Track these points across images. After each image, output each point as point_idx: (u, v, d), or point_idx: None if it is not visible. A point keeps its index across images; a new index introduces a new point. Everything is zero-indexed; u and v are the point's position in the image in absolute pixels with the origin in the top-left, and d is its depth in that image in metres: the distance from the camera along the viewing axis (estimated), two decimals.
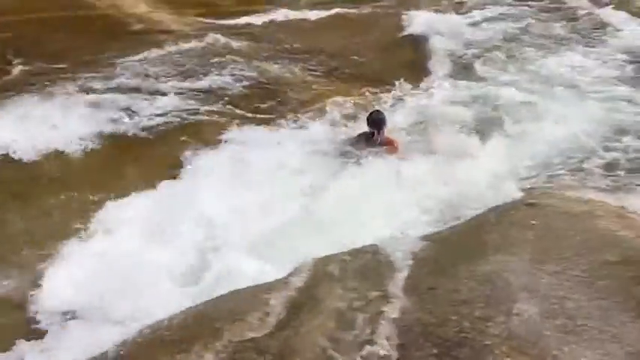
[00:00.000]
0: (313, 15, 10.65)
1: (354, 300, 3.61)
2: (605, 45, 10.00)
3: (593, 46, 10.01)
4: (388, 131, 6.95)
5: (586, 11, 11.56)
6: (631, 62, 9.28)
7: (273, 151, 6.58)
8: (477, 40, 10.11)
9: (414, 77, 8.47)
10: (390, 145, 6.89)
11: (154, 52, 8.94)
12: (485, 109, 7.64)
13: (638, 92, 8.19)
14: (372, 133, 6.89)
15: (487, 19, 11.37)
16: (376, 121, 6.94)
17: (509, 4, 12.47)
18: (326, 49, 9.25)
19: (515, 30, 10.81)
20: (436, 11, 11.39)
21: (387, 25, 10.52)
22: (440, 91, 8.09)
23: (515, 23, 11.19)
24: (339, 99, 7.55)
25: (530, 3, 12.69)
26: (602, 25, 10.86)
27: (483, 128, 7.11)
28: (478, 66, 9.00)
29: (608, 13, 11.27)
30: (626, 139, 6.85)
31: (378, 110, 7.28)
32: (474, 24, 11.05)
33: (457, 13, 11.70)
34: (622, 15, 11.15)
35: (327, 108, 7.39)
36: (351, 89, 7.85)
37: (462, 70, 8.92)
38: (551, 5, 12.17)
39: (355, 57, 9.12)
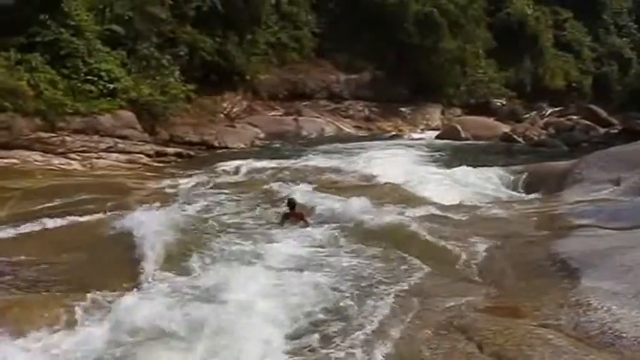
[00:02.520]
0: (15, 229, 10.18)
1: None
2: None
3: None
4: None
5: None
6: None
7: None
8: (191, 230, 10.33)
9: (123, 278, 8.11)
10: (300, 217, 10.87)
11: None
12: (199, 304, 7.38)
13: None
14: (289, 211, 10.97)
15: (201, 210, 11.80)
16: (289, 203, 11.06)
17: (222, 193, 13.26)
18: (27, 263, 8.65)
19: (229, 217, 11.33)
20: (148, 208, 11.48)
21: (96, 230, 10.38)
22: (151, 287, 7.77)
23: (229, 210, 11.82)
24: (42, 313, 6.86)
25: (230, 190, 13.65)
26: None
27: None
28: (193, 258, 8.91)
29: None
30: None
31: (291, 197, 11.44)
32: (187, 215, 11.40)
33: (170, 205, 12.09)
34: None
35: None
36: (52, 301, 7.24)
37: (176, 263, 8.75)
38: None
39: (61, 266, 8.62)
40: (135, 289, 7.61)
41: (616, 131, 29.91)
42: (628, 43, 55.08)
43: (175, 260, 8.87)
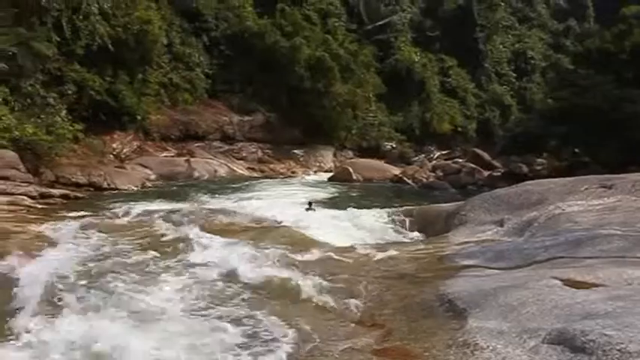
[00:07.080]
0: None
1: None
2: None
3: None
4: None
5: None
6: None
7: None
8: (72, 276, 9.81)
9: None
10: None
11: None
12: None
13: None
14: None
15: (85, 254, 11.26)
16: (309, 203, 18.07)
17: (109, 236, 12.75)
18: None
19: (114, 261, 10.84)
20: (28, 253, 10.93)
21: None
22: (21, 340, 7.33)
23: (115, 253, 11.35)
24: None
25: (118, 233, 13.18)
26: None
27: None
28: (70, 306, 8.45)
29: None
30: None
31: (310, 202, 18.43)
32: (69, 260, 10.82)
33: (52, 249, 11.51)
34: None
35: None
36: None
37: (53, 311, 8.27)
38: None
39: None
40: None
41: (499, 174, 31.34)
42: (508, 90, 58.41)
43: (51, 308, 8.39)
